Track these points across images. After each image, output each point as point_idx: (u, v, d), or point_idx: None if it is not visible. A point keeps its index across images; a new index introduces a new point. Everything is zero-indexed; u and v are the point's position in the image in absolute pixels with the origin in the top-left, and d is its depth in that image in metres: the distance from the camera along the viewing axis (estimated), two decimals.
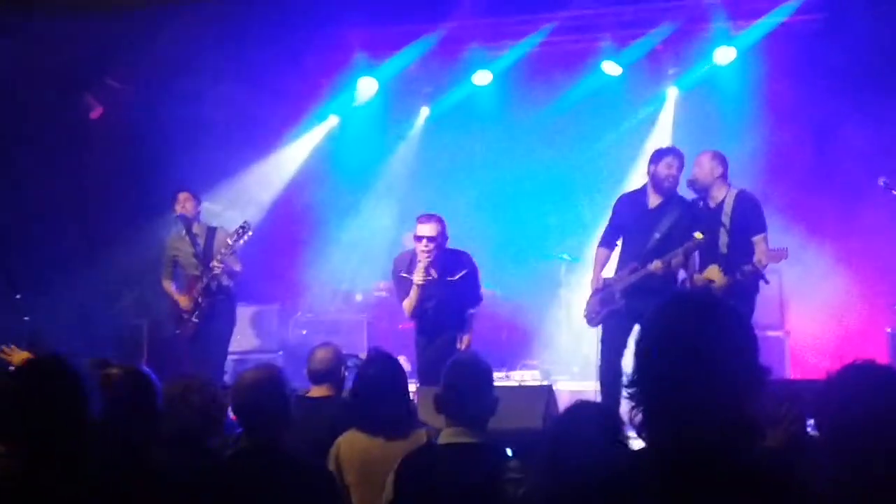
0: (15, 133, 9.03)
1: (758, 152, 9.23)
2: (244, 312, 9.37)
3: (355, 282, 10.57)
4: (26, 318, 8.59)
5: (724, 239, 6.86)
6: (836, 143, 9.01)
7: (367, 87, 10.64)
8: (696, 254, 7.01)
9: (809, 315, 8.96)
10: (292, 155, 10.97)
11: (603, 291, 7.05)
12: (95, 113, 9.65)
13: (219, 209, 9.58)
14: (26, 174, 9.12)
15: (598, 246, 7.28)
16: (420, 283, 7.17)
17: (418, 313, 7.32)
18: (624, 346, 6.79)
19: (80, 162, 9.61)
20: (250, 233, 8.13)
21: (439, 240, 7.16)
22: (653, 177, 7.02)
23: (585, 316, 7.26)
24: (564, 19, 9.75)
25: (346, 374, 5.72)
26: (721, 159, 7.06)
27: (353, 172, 10.89)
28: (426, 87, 10.95)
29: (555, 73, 10.22)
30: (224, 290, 8.33)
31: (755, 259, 6.72)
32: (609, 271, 7.26)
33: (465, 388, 3.88)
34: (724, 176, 7.04)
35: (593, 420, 3.54)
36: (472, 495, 3.64)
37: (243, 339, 9.55)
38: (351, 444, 4.35)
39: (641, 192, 7.16)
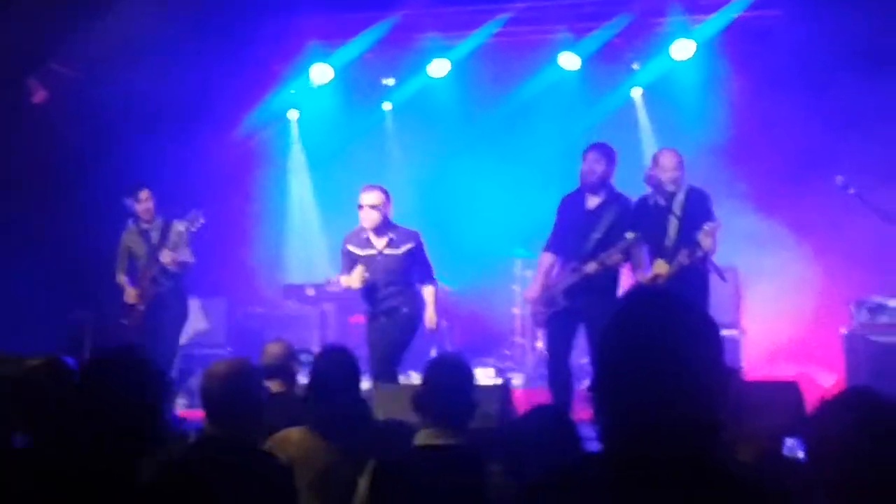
0: None
1: (715, 148, 9.25)
2: (191, 305, 9.15)
3: (307, 276, 10.39)
4: None
5: (672, 233, 6.88)
6: (793, 141, 9.03)
7: (320, 74, 10.45)
8: (645, 254, 7.03)
9: (765, 315, 8.97)
10: (243, 144, 10.76)
11: (547, 293, 7.03)
12: (39, 97, 9.38)
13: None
14: None
15: (543, 250, 7.22)
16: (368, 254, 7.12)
17: (366, 289, 7.21)
18: (570, 345, 6.91)
19: (21, 149, 9.32)
20: (202, 220, 8.08)
21: (382, 210, 7.14)
22: (580, 174, 7.03)
23: (531, 317, 7.36)
24: (520, 10, 9.69)
25: (299, 369, 5.63)
26: (682, 164, 7.04)
27: (308, 163, 10.74)
28: (382, 77, 10.82)
29: (512, 64, 10.19)
30: (173, 280, 8.27)
31: (701, 244, 6.65)
32: None
33: (445, 388, 3.78)
34: (681, 175, 7.04)
35: (550, 424, 3.50)
36: (452, 499, 3.53)
37: (189, 331, 9.32)
38: (299, 443, 4.15)
39: (579, 192, 7.10)
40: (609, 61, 10.12)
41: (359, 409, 4.40)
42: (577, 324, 6.88)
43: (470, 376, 3.93)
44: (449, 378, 3.83)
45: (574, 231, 6.99)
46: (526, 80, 10.38)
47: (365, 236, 7.23)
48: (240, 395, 3.56)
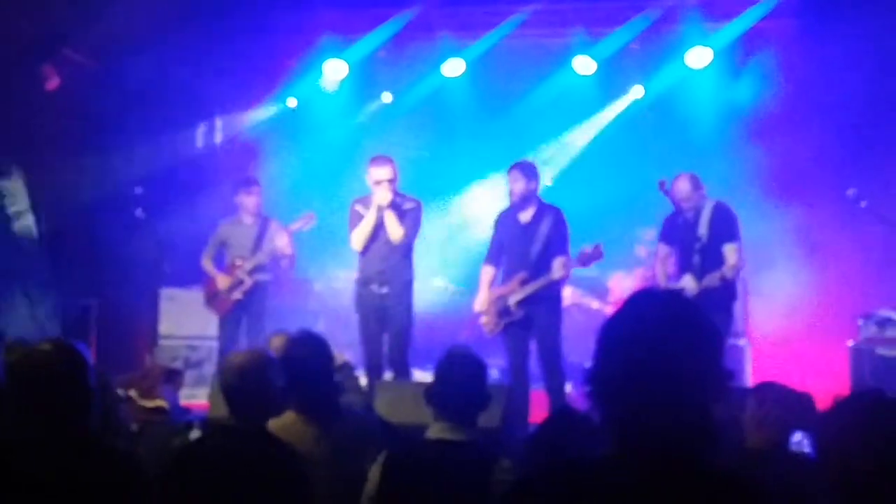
0: None
1: (725, 157, 9.23)
2: (193, 297, 9.17)
3: (314, 270, 10.37)
4: None
5: (699, 249, 7.27)
6: (805, 151, 8.98)
7: (334, 70, 10.41)
8: (672, 263, 7.65)
9: (772, 325, 8.93)
10: (254, 136, 10.74)
11: (497, 304, 7.40)
12: (52, 84, 9.38)
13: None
14: None
15: (485, 264, 7.64)
16: (384, 204, 7.28)
17: (367, 246, 7.43)
18: (528, 351, 7.39)
19: (33, 134, 9.32)
20: (314, 221, 8.52)
21: (395, 181, 7.39)
22: (509, 192, 7.48)
23: (485, 327, 7.60)
24: (536, 11, 9.63)
25: None
26: (697, 183, 7.45)
27: (317, 156, 10.70)
28: (395, 73, 10.78)
29: (527, 66, 10.14)
30: (269, 273, 8.65)
31: (725, 266, 7.12)
32: None
33: (458, 383, 3.77)
34: (701, 195, 7.43)
35: (577, 428, 3.51)
36: (461, 494, 3.54)
37: (196, 323, 9.32)
38: (284, 427, 4.15)
39: (512, 207, 7.51)
40: (623, 66, 10.08)
41: (333, 396, 4.40)
42: (531, 330, 7.33)
43: (482, 370, 3.92)
44: (460, 373, 3.82)
45: (514, 245, 7.41)
46: (539, 83, 10.36)
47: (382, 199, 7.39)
48: (256, 385, 3.64)
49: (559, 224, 7.33)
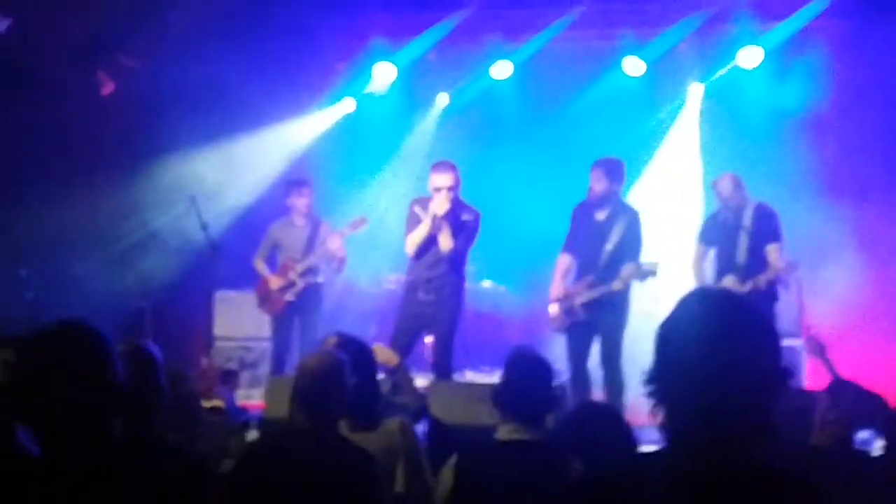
0: (31, 109, 8.89)
1: (781, 157, 9.14)
2: (248, 299, 9.25)
3: (363, 271, 10.40)
4: (29, 295, 8.45)
5: (742, 248, 7.35)
6: (861, 151, 8.89)
7: (384, 73, 10.45)
8: (715, 263, 7.66)
9: (829, 326, 8.81)
10: (304, 138, 10.80)
11: (564, 302, 7.37)
12: (107, 89, 9.53)
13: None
14: (38, 150, 8.99)
15: (562, 253, 7.57)
16: (440, 214, 7.20)
17: (419, 252, 7.38)
18: (588, 354, 7.33)
19: (91, 139, 9.47)
20: (366, 226, 8.55)
21: (456, 188, 7.30)
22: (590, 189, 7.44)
23: (551, 323, 7.58)
24: (585, 13, 9.61)
25: None
26: (739, 183, 7.54)
27: (367, 159, 10.74)
28: (444, 76, 10.80)
29: (575, 68, 10.11)
30: (320, 275, 8.73)
31: (769, 269, 7.24)
32: None
33: (526, 384, 3.77)
34: (743, 195, 7.52)
35: (603, 421, 3.56)
36: (537, 494, 3.52)
37: (250, 325, 9.40)
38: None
39: (589, 203, 7.45)
40: (673, 67, 10.02)
41: (369, 401, 4.29)
42: (594, 334, 7.32)
43: (550, 371, 3.90)
44: (528, 374, 3.81)
45: (587, 242, 7.38)
46: (588, 84, 10.31)
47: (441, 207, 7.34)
48: (331, 387, 3.66)
49: (634, 227, 7.27)
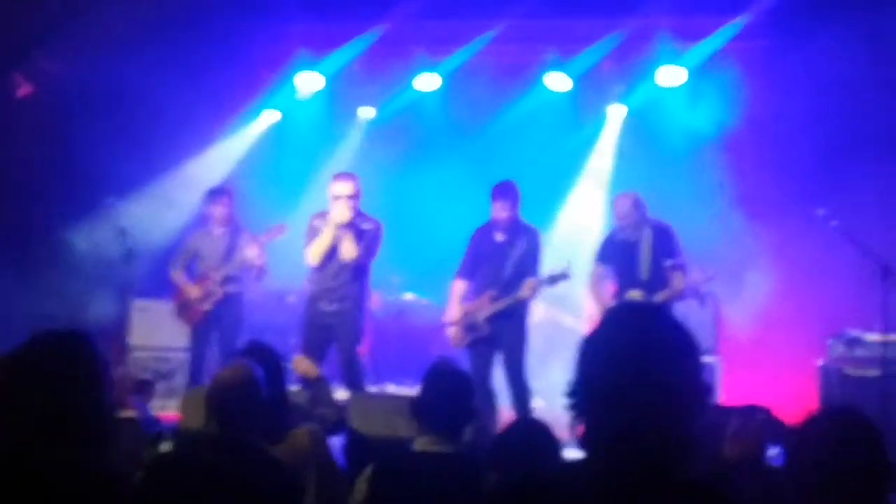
0: None
1: (697, 176, 9.34)
2: (165, 308, 9.10)
3: (289, 283, 10.31)
4: None
5: (645, 266, 7.54)
6: (777, 171, 9.11)
7: (307, 82, 10.42)
8: (615, 281, 7.85)
9: (743, 343, 9.03)
10: (229, 150, 10.71)
11: (465, 319, 7.50)
12: (24, 91, 9.32)
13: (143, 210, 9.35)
14: None
15: (457, 278, 7.71)
16: (341, 222, 7.27)
17: (322, 263, 7.44)
18: (492, 367, 7.44)
19: (2, 140, 9.25)
20: (285, 233, 8.43)
21: (356, 198, 7.38)
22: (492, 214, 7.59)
23: (452, 339, 7.68)
24: (508, 27, 9.67)
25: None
26: (638, 203, 7.69)
27: (292, 168, 10.68)
28: (370, 87, 10.81)
29: (500, 82, 10.21)
30: (239, 284, 8.64)
31: (669, 288, 7.48)
32: None
33: (444, 397, 3.77)
34: (642, 216, 7.68)
35: (534, 436, 3.57)
36: None
37: (167, 334, 9.25)
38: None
39: (489, 226, 7.61)
40: (596, 84, 10.17)
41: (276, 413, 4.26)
42: (497, 346, 7.42)
43: (468, 385, 3.92)
44: (446, 386, 3.82)
45: (488, 262, 7.49)
46: (512, 99, 10.43)
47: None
48: (244, 399, 3.62)
49: (534, 245, 7.42)
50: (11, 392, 2.79)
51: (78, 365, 2.82)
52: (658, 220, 7.72)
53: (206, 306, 8.50)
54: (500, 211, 7.41)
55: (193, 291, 8.54)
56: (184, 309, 8.62)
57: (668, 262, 7.50)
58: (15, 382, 2.80)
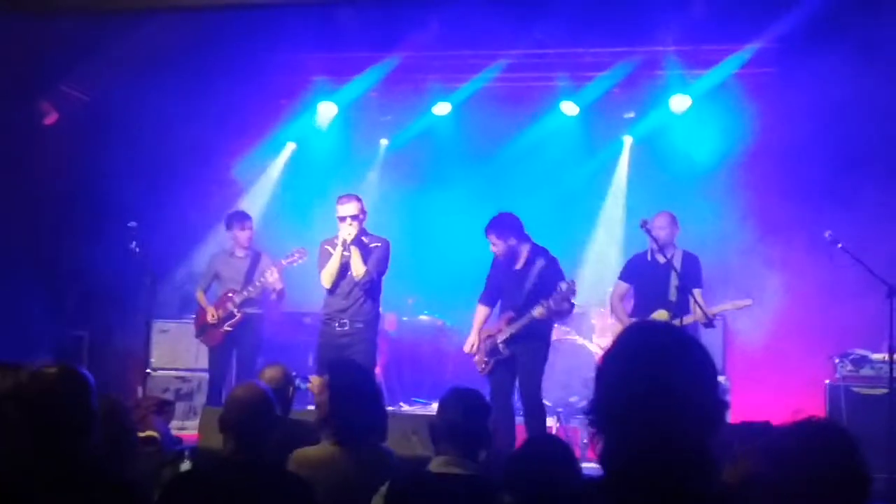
0: None
1: (707, 200, 9.48)
2: (185, 329, 9.31)
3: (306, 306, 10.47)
4: None
5: (673, 289, 7.69)
6: (784, 195, 9.23)
7: (327, 111, 10.66)
8: (640, 300, 8.01)
9: (751, 363, 9.13)
10: (246, 177, 10.93)
11: (486, 343, 7.53)
12: (50, 119, 9.54)
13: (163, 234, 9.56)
14: None
15: (479, 304, 7.75)
16: (348, 239, 7.52)
17: (334, 284, 7.66)
18: (513, 390, 7.41)
19: (30, 167, 9.46)
20: (305, 258, 8.52)
21: (361, 217, 7.63)
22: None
23: (478, 366, 7.67)
24: (519, 56, 9.81)
25: (294, 394, 5.74)
26: (675, 221, 8.02)
27: (308, 194, 10.85)
28: (386, 115, 11.02)
29: (514, 108, 10.37)
30: (259, 307, 8.80)
31: (694, 313, 7.66)
32: None
33: (460, 418, 3.85)
34: (675, 233, 8.03)
35: (551, 453, 3.63)
36: None
37: (187, 355, 9.44)
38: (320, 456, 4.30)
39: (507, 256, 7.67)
40: (607, 111, 10.34)
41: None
42: (517, 368, 7.40)
43: (486, 407, 4.00)
44: (463, 409, 3.89)
45: (506, 286, 7.54)
46: (524, 125, 10.60)
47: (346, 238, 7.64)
48: (259, 418, 3.75)
49: (549, 265, 7.44)
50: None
51: (66, 409, 3.09)
52: (686, 249, 8.03)
53: (227, 328, 8.68)
54: (492, 247, 7.50)
55: (213, 313, 8.71)
56: (204, 330, 8.80)
57: (696, 290, 7.76)
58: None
